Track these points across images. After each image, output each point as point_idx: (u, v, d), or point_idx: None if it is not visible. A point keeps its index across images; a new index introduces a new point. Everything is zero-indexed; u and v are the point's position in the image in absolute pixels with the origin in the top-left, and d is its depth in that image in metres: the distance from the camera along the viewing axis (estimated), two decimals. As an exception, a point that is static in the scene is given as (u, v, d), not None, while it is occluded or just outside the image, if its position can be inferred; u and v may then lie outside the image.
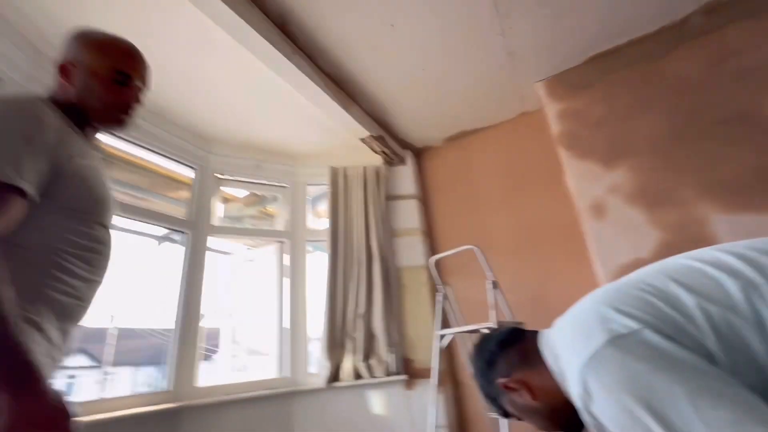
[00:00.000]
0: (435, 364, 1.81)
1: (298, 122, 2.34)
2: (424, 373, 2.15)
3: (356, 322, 2.19)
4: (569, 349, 0.63)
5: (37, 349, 0.68)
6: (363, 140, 2.38)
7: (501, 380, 0.72)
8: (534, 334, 0.75)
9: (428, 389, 1.92)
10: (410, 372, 2.18)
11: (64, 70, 0.83)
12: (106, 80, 0.84)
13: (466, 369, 1.92)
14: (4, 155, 0.64)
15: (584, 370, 0.56)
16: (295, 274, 2.47)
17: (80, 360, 15.14)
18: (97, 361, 14.33)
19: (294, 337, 2.31)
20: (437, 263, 2.03)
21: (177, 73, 1.89)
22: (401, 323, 2.32)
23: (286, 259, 2.50)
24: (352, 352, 2.13)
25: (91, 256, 0.80)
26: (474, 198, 2.55)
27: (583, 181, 2.00)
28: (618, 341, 0.55)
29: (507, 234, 2.35)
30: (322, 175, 2.58)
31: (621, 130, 1.96)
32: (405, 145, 2.73)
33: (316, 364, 2.21)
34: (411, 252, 2.48)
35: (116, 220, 0.96)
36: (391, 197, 2.60)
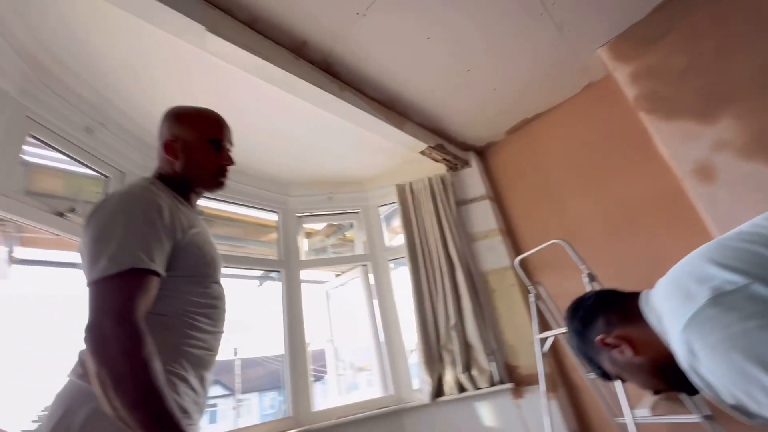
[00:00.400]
0: (540, 369, 1.71)
1: (358, 150, 2.46)
2: (532, 380, 2.04)
3: (450, 333, 2.17)
4: (670, 311, 0.60)
5: (186, 398, 0.82)
6: (422, 153, 2.40)
7: (600, 337, 0.70)
8: (634, 295, 0.72)
9: (539, 397, 1.81)
10: (516, 380, 2.08)
11: (167, 147, 0.94)
12: (203, 149, 0.94)
13: (579, 370, 1.77)
14: (136, 243, 0.73)
15: (686, 331, 0.54)
16: (382, 293, 2.55)
17: (216, 390, 17.32)
18: (230, 390, 16.28)
19: (392, 354, 2.38)
20: (523, 262, 1.93)
21: (250, 132, 2.14)
22: (497, 329, 2.24)
23: (372, 279, 2.60)
24: (451, 365, 2.11)
25: (211, 311, 0.91)
26: (550, 186, 2.38)
27: (679, 143, 1.75)
28: (722, 299, 0.52)
29: (595, 218, 2.15)
30: (390, 195, 2.65)
31: (714, 76, 1.68)
32: (466, 147, 2.68)
33: (419, 380, 2.23)
34: (493, 254, 2.40)
35: (224, 272, 1.10)
36: (461, 202, 2.56)
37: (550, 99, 2.36)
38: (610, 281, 1.73)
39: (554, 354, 2.18)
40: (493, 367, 2.07)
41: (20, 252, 1.73)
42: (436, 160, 2.52)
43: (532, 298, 1.84)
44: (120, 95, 1.78)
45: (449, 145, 2.54)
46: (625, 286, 1.97)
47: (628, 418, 1.40)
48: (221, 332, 0.95)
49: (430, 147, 2.36)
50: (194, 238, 0.87)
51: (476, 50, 1.89)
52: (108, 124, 1.84)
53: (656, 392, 0.73)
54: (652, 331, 0.64)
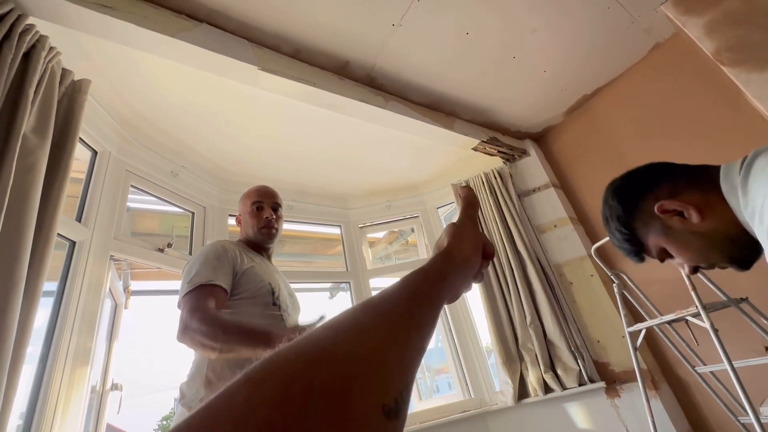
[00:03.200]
0: (636, 365, 1.55)
1: (411, 155, 2.48)
2: (628, 377, 1.87)
3: (527, 332, 2.07)
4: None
5: None
6: (475, 149, 2.34)
7: (660, 203, 0.64)
8: (711, 168, 0.65)
9: (639, 395, 1.65)
10: (608, 377, 1.91)
11: (237, 221, 1.34)
12: (250, 213, 1.28)
13: (687, 365, 1.57)
14: (205, 271, 1.05)
15: None
16: (451, 295, 2.52)
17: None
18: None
19: (467, 357, 2.33)
20: (601, 250, 1.78)
21: (307, 155, 2.27)
22: (580, 324, 2.09)
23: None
24: (532, 365, 2.01)
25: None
26: (622, 162, 2.14)
27: (779, 94, 1.50)
28: None
29: (684, 192, 1.91)
30: (447, 195, 2.62)
31: (818, 9, 1.42)
32: (521, 135, 2.56)
33: (500, 382, 2.16)
34: (566, 244, 2.25)
35: (297, 287, 1.24)
36: (524, 193, 2.44)
37: (611, 69, 2.16)
38: (709, 262, 1.53)
39: (652, 348, 1.97)
40: (580, 366, 1.93)
41: (134, 285, 2.02)
42: (491, 154, 2.44)
43: (616, 288, 1.69)
44: (195, 139, 2.00)
45: (503, 137, 2.45)
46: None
47: (753, 416, 1.21)
48: None
49: (482, 142, 2.29)
50: (251, 269, 1.14)
51: (519, 35, 1.81)
52: (189, 166, 2.08)
53: (695, 270, 0.67)
54: (724, 202, 0.59)
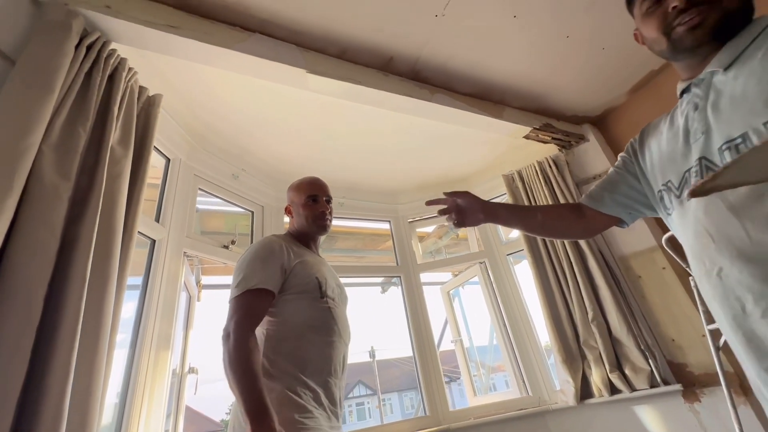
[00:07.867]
0: (719, 367, 1.40)
1: (460, 147, 2.43)
2: (709, 380, 1.69)
3: (589, 328, 1.95)
4: None
5: (305, 397, 0.98)
6: (527, 137, 2.24)
7: None
8: None
9: (724, 401, 1.48)
10: (686, 380, 1.74)
11: (286, 210, 1.36)
12: (305, 204, 1.28)
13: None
14: (251, 275, 1.06)
15: None
16: (504, 289, 2.44)
17: (361, 390, 18.83)
18: (372, 390, 17.55)
19: (524, 354, 2.25)
20: (673, 240, 1.62)
21: (355, 152, 2.33)
22: (652, 321, 1.92)
23: (492, 276, 2.52)
24: (596, 364, 1.89)
25: (320, 324, 1.10)
26: (700, 144, 1.95)
27: None
28: None
29: None
30: (499, 187, 2.54)
31: None
32: (578, 120, 2.40)
33: (560, 381, 2.06)
34: (632, 235, 2.07)
35: (345, 283, 1.27)
36: (582, 182, 2.29)
37: (683, 40, 1.94)
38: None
39: (739, 348, 1.76)
40: (653, 366, 1.78)
41: (204, 279, 2.22)
42: (545, 141, 2.32)
43: (693, 282, 1.53)
44: (252, 143, 2.14)
45: (558, 123, 2.31)
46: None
47: None
48: (334, 341, 1.11)
49: (535, 129, 2.19)
50: (301, 264, 1.14)
51: (572, 12, 1.69)
52: (248, 168, 2.23)
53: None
54: None
